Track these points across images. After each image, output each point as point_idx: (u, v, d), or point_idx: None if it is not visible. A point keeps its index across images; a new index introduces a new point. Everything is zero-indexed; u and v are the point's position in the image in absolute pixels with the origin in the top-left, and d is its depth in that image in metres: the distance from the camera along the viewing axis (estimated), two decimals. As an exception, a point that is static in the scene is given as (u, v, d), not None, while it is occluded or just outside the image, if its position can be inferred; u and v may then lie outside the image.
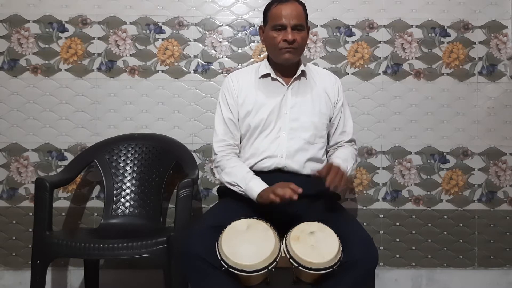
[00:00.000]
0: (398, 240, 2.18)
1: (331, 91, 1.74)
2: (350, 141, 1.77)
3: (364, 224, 2.15)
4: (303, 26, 1.63)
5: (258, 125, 1.67)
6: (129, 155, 2.06)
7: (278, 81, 1.70)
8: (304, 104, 1.69)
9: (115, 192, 2.01)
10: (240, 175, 1.59)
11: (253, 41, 2.16)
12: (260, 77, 1.71)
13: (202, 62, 2.16)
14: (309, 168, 1.66)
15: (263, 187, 1.53)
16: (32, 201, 2.08)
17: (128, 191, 2.03)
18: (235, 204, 1.59)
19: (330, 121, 1.73)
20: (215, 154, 1.70)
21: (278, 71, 1.70)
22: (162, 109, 2.15)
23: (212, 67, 2.16)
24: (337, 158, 1.64)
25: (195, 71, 2.16)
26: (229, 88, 1.72)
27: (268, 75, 1.70)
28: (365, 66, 2.17)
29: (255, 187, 1.53)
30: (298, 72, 1.69)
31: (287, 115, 1.67)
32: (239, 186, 1.58)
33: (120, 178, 2.03)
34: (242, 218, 1.44)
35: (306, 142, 1.66)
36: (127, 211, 2.00)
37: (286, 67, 1.68)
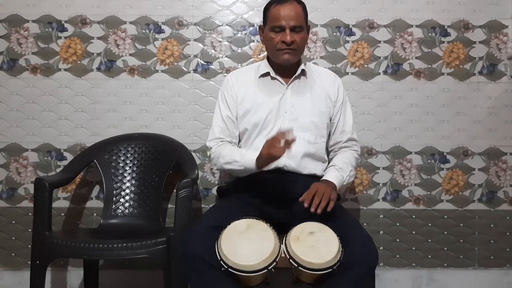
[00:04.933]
0: (398, 240, 2.17)
1: (331, 90, 1.73)
2: (349, 140, 1.74)
3: (364, 224, 2.14)
4: (301, 27, 1.62)
5: (257, 124, 1.66)
6: (128, 155, 2.05)
7: (278, 80, 1.69)
8: (303, 103, 1.68)
9: (114, 192, 2.01)
10: (236, 152, 1.61)
11: (253, 41, 2.15)
12: (259, 76, 1.71)
13: (202, 62, 2.15)
14: (310, 168, 1.66)
15: (257, 154, 1.52)
16: (31, 201, 2.07)
17: (127, 191, 2.02)
18: (235, 204, 1.58)
19: (330, 120, 1.73)
20: (210, 148, 1.70)
21: (278, 71, 1.70)
22: (162, 109, 2.15)
23: (212, 66, 2.15)
24: (332, 168, 1.64)
25: (195, 70, 2.15)
26: (229, 86, 1.72)
27: (267, 74, 1.70)
28: (365, 66, 2.16)
29: (251, 156, 1.53)
30: (298, 72, 1.69)
31: (287, 115, 1.67)
32: (236, 161, 1.58)
33: (119, 178, 2.03)
34: (242, 218, 1.44)
35: (306, 142, 1.65)
36: (127, 211, 2.00)
37: (286, 66, 1.68)
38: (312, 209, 1.42)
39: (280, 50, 1.61)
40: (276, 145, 1.41)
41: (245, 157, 1.55)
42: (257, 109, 1.67)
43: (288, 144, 1.39)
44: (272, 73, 1.69)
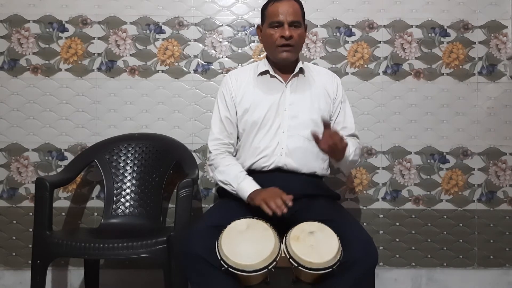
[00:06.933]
0: (398, 240, 2.18)
1: (330, 88, 1.74)
2: (351, 135, 1.74)
3: (364, 224, 2.15)
4: (299, 22, 1.63)
5: (257, 122, 1.67)
6: (129, 155, 2.06)
7: (277, 78, 1.70)
8: (303, 101, 1.69)
9: (115, 192, 2.02)
10: (232, 174, 1.60)
11: (253, 41, 2.16)
12: (258, 75, 1.72)
13: (202, 62, 2.16)
14: (309, 166, 1.67)
15: (254, 188, 1.53)
16: (32, 201, 2.08)
17: (128, 191, 2.03)
18: (235, 204, 1.58)
19: (330, 117, 1.73)
20: (210, 152, 1.71)
21: (277, 69, 1.71)
22: (162, 109, 2.15)
23: (212, 67, 2.16)
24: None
25: (195, 71, 2.16)
26: (227, 86, 1.73)
27: (266, 72, 1.71)
28: (365, 66, 2.17)
29: (246, 187, 1.54)
30: (297, 69, 1.70)
31: (286, 112, 1.67)
32: (231, 185, 1.59)
33: (120, 178, 2.03)
34: (242, 218, 1.44)
35: (306, 140, 1.66)
36: (127, 211, 2.00)
37: (285, 64, 1.69)
38: (322, 145, 1.45)
39: (279, 46, 1.62)
40: (276, 200, 1.42)
41: (240, 187, 1.56)
42: (256, 107, 1.68)
43: (284, 205, 1.41)
44: (271, 71, 1.70)
